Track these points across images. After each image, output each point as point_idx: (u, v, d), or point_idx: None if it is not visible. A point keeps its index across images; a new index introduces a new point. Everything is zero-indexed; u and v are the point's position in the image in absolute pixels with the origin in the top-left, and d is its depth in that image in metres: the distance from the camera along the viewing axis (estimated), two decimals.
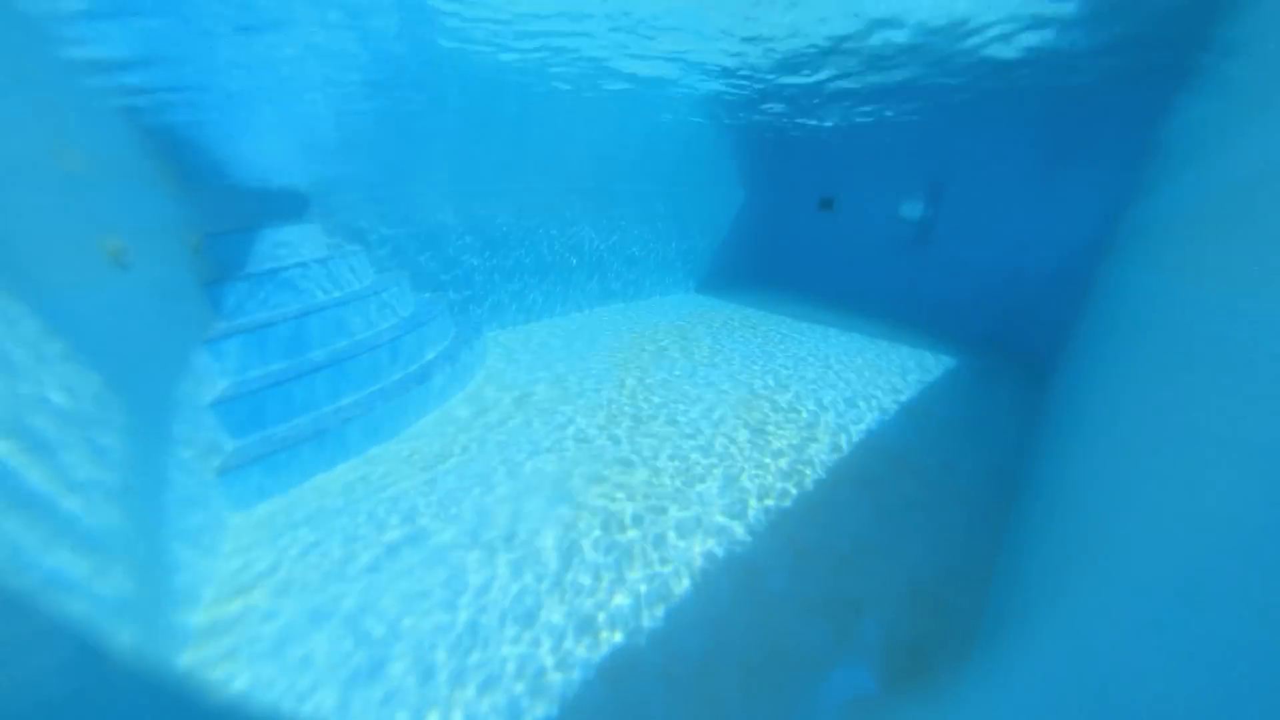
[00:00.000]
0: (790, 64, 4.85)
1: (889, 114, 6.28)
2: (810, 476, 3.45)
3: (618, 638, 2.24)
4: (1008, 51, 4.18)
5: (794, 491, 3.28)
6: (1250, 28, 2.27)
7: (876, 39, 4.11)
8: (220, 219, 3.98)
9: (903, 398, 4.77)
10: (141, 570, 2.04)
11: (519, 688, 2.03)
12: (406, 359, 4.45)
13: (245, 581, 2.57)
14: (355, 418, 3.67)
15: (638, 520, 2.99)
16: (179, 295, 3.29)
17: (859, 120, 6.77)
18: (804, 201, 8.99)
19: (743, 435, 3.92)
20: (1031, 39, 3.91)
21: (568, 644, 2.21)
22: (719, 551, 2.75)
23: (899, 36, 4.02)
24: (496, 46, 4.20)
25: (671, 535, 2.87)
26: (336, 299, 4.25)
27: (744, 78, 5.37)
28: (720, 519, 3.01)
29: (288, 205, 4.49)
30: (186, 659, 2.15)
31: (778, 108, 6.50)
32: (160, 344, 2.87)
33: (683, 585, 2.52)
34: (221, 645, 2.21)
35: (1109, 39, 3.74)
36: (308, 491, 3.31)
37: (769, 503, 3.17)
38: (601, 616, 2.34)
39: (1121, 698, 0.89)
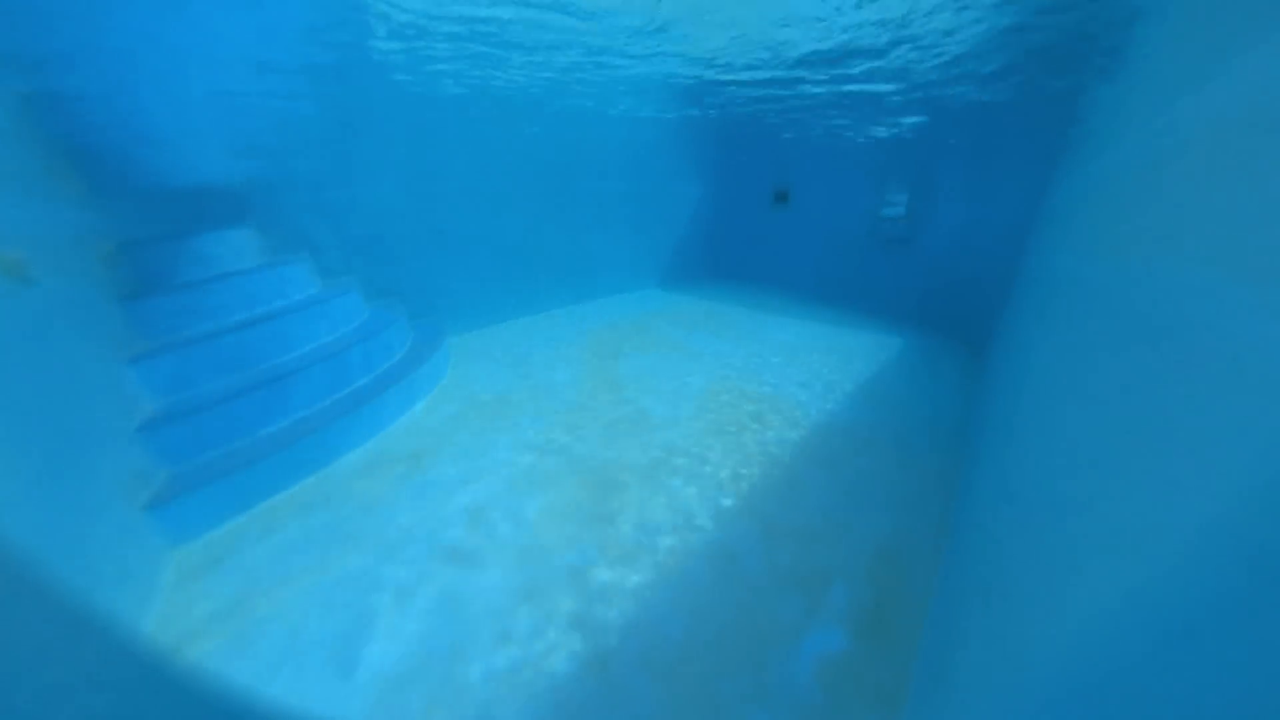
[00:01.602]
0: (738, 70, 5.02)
1: (836, 117, 6.60)
2: (777, 459, 3.58)
3: (602, 628, 2.23)
4: (932, 60, 4.50)
5: (763, 474, 3.39)
6: (1143, 33, 2.55)
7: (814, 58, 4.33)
8: (139, 226, 3.65)
9: (858, 379, 5.02)
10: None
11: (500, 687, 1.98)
12: (358, 371, 4.24)
13: (187, 627, 2.37)
14: (304, 436, 3.46)
15: (616, 512, 2.99)
16: (91, 311, 2.99)
17: (810, 121, 7.08)
18: (761, 196, 9.30)
19: (712, 425, 4.00)
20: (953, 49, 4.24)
21: (552, 638, 2.18)
22: (696, 538, 2.80)
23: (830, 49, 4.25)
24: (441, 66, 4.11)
25: (649, 526, 2.90)
26: (276, 310, 3.98)
27: (696, 78, 5.50)
28: (695, 507, 3.06)
29: (219, 210, 4.16)
30: None
31: (733, 106, 6.70)
32: (72, 365, 2.60)
33: (663, 572, 2.55)
34: None
35: (1019, 55, 4.10)
36: (256, 517, 3.08)
37: (741, 487, 3.25)
38: (583, 608, 2.33)
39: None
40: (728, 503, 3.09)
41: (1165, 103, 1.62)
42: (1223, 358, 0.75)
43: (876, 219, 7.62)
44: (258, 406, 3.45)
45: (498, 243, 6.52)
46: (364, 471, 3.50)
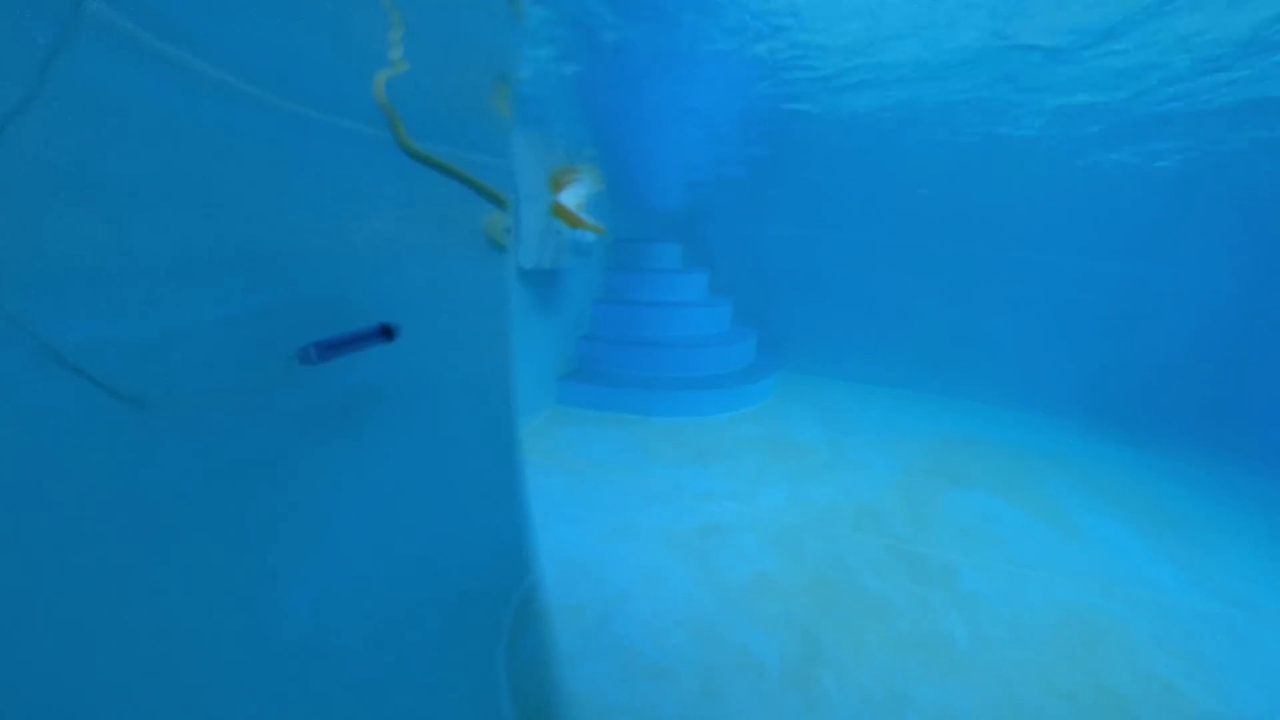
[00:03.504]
0: None
1: None
2: None
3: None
4: None
5: None
6: None
7: None
8: (623, 229, 5.78)
9: None
10: None
11: None
12: (704, 366, 5.13)
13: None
14: (657, 394, 4.64)
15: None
16: (592, 272, 5.06)
17: None
18: None
19: (1050, 680, 2.36)
20: None
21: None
22: None
23: None
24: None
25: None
26: (677, 300, 5.39)
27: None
28: None
29: (663, 226, 6.03)
30: None
31: None
32: (580, 296, 4.59)
33: None
34: None
35: None
36: (595, 420, 4.48)
37: None
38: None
39: None
40: None
41: None
42: None
43: None
44: (638, 358, 4.97)
45: (870, 302, 6.09)
46: (664, 438, 4.31)
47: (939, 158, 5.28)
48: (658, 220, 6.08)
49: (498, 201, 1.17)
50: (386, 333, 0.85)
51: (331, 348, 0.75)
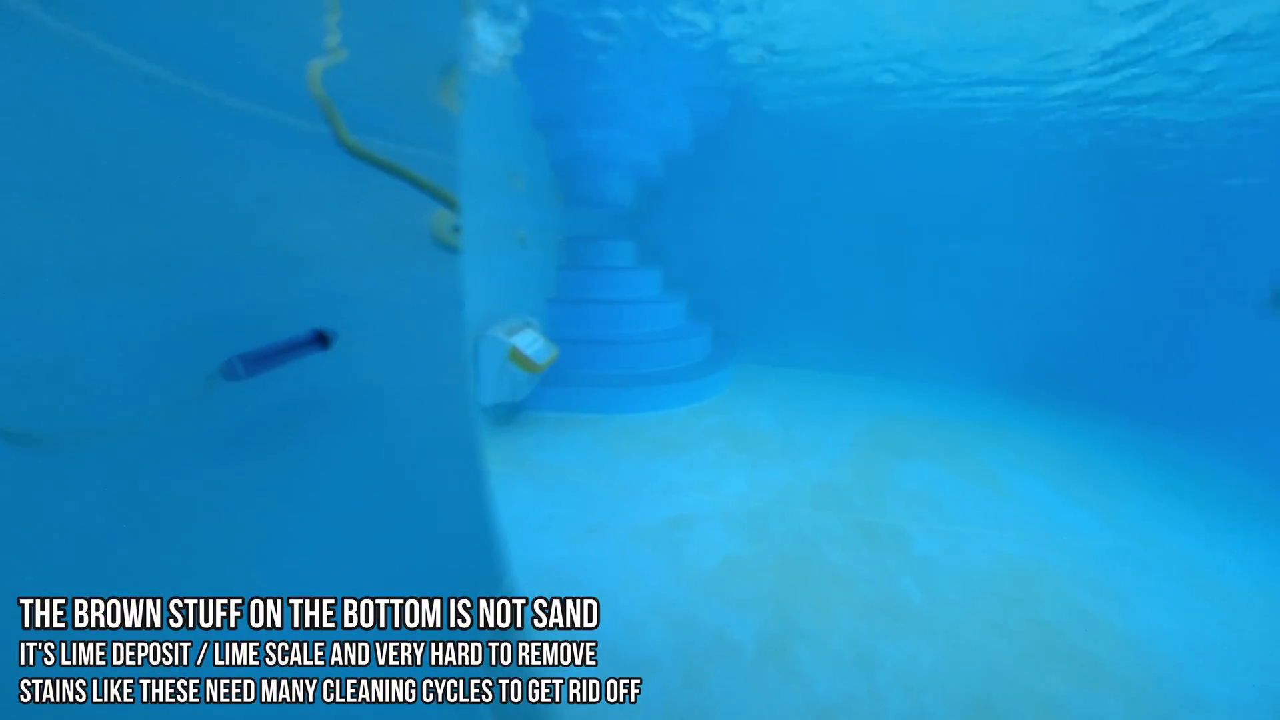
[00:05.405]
0: None
1: None
2: None
3: None
4: None
5: None
6: None
7: None
8: (574, 228, 5.71)
9: None
10: None
11: None
12: (661, 361, 5.16)
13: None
14: (615, 392, 4.59)
15: (799, 633, 2.51)
16: (543, 269, 4.96)
17: None
18: (1237, 288, 5.27)
19: (986, 620, 2.55)
20: None
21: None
22: None
23: None
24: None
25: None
26: (632, 298, 5.38)
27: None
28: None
29: (615, 223, 6.00)
30: None
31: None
32: (526, 299, 4.44)
33: None
34: None
35: None
36: (576, 420, 4.39)
37: None
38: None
39: None
40: None
41: None
42: None
43: None
44: (600, 354, 4.92)
45: (815, 293, 6.41)
46: (625, 434, 4.28)
47: (875, 157, 5.62)
48: (608, 217, 6.05)
49: (445, 200, 1.11)
50: (321, 340, 0.78)
51: (260, 360, 0.68)
